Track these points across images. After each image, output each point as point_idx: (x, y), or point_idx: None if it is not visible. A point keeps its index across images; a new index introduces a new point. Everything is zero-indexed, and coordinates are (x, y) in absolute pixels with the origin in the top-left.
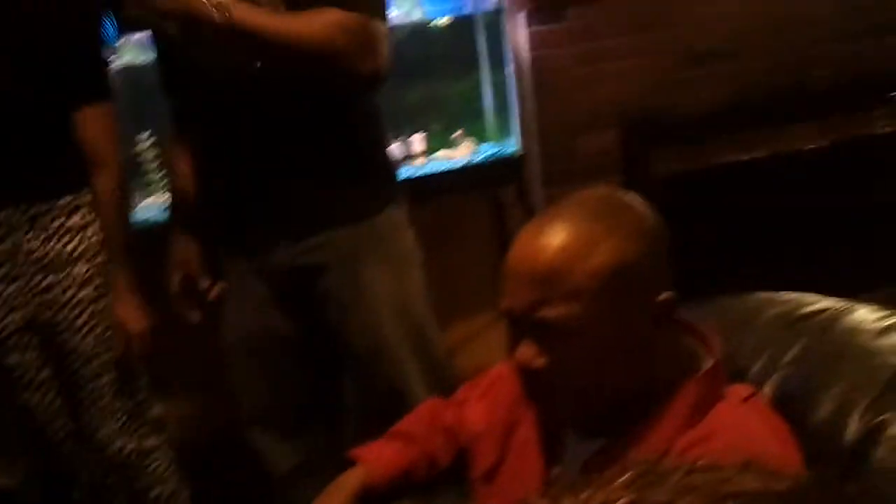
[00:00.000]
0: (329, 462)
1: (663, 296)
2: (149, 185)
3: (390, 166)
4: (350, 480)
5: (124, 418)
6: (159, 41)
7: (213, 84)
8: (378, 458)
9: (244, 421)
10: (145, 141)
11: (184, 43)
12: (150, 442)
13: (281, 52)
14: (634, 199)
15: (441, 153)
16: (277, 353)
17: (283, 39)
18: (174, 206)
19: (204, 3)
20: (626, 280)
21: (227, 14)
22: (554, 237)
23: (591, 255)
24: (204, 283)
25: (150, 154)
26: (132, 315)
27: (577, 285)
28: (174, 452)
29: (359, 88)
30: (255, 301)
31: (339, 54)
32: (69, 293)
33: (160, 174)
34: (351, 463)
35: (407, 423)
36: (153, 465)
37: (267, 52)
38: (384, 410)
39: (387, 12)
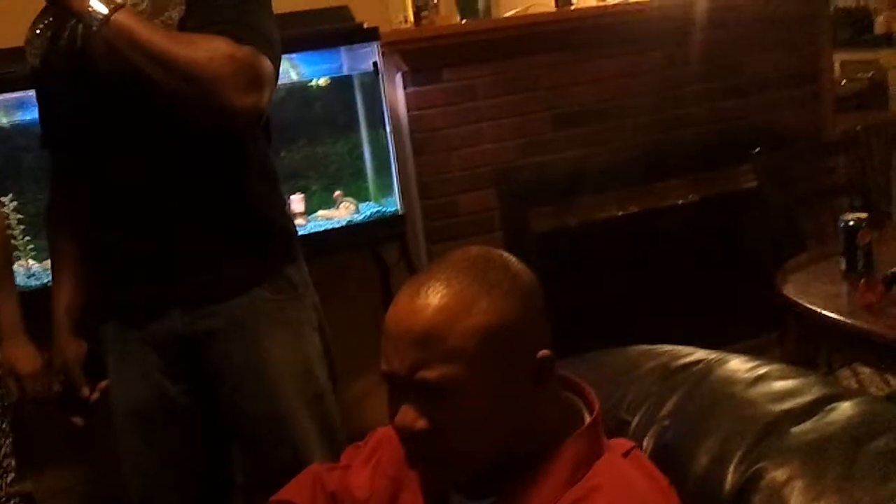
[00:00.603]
0: None
1: (542, 353)
2: (14, 249)
3: (287, 222)
4: None
5: None
6: (38, 90)
7: (94, 124)
8: None
9: (132, 501)
10: (8, 204)
11: (43, 71)
12: None
13: (159, 71)
14: (509, 258)
15: (321, 213)
16: (168, 423)
17: (166, 57)
18: (57, 316)
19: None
20: (504, 339)
21: (108, 17)
22: (431, 298)
23: (469, 315)
24: (85, 392)
25: (14, 218)
26: (22, 356)
27: (456, 346)
28: None
29: (235, 124)
30: (141, 369)
31: (221, 85)
32: None
33: (25, 239)
34: None
35: (290, 490)
36: None
37: (143, 70)
38: (279, 474)
39: (277, 53)
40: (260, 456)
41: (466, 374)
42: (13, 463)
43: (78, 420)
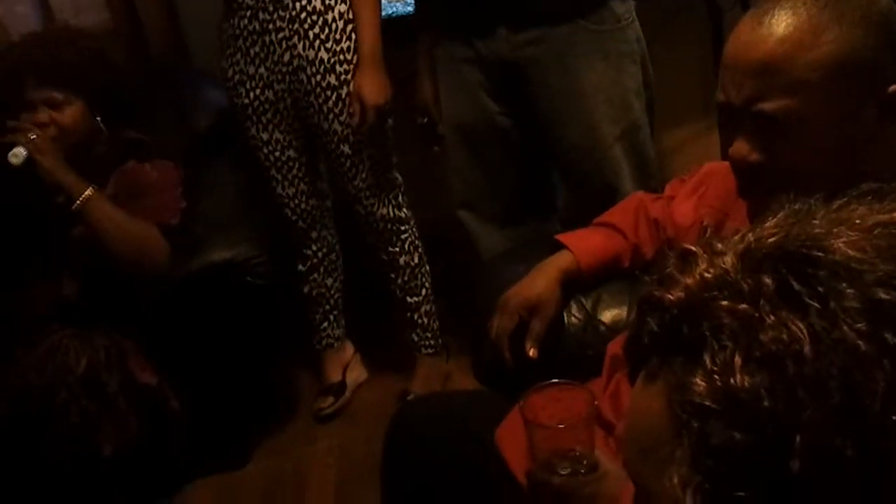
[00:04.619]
0: (537, 250)
1: (893, 88)
2: None
3: None
4: (558, 262)
5: (383, 189)
6: None
7: None
8: (585, 244)
9: (454, 203)
10: None
11: None
12: (403, 213)
13: None
14: None
15: None
16: (490, 141)
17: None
18: (421, 58)
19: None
20: (852, 72)
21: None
22: (775, 27)
23: (815, 46)
24: (441, 127)
25: None
26: (369, 87)
27: (799, 77)
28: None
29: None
30: (469, 89)
31: None
32: (315, 79)
33: None
34: (558, 247)
35: (614, 214)
36: (404, 235)
37: None
38: (594, 204)
39: None
40: (576, 183)
41: (807, 108)
42: None
43: (437, 149)
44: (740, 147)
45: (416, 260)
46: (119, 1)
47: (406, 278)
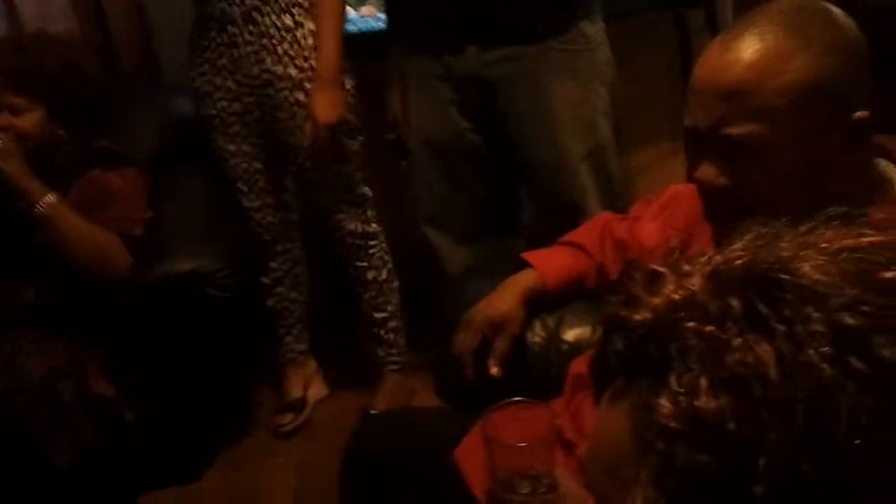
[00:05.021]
0: (501, 267)
1: (858, 114)
2: None
3: None
4: (523, 280)
5: (351, 204)
6: None
7: None
8: (551, 263)
9: (420, 218)
10: None
11: None
12: (372, 228)
13: None
14: (833, 10)
15: None
16: (459, 157)
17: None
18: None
19: None
20: (818, 98)
21: None
22: (743, 52)
23: (783, 72)
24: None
25: None
26: (322, 105)
27: (765, 103)
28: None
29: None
30: (439, 104)
31: None
32: (283, 94)
33: None
34: (524, 265)
35: (579, 234)
36: (372, 250)
37: None
38: (560, 223)
39: None
40: (542, 201)
41: (773, 134)
42: None
43: (404, 163)
44: (707, 171)
45: (385, 275)
46: (87, 9)
47: (373, 293)
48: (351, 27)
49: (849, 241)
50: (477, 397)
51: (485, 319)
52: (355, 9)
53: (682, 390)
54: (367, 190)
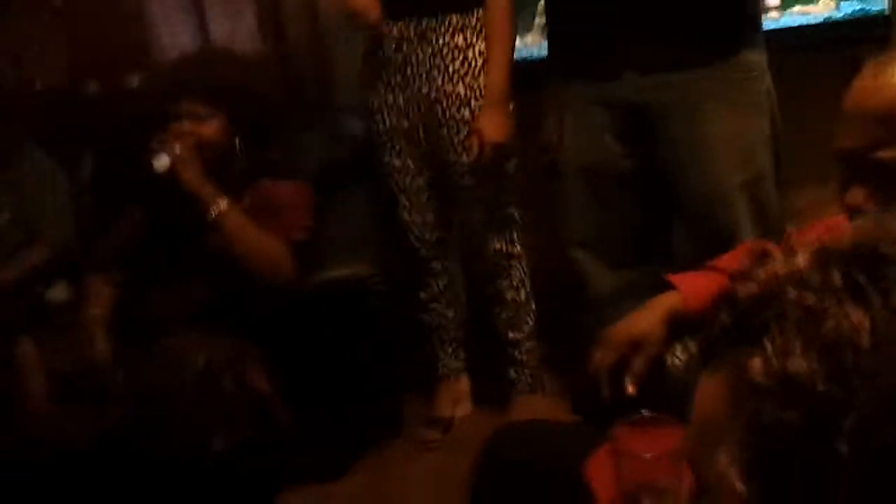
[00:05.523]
0: (649, 293)
1: None
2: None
3: (753, 8)
4: (665, 301)
5: (499, 224)
6: None
7: None
8: (694, 285)
9: (568, 241)
10: None
11: None
12: (516, 249)
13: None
14: None
15: (797, 8)
16: (612, 182)
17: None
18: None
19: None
20: None
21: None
22: None
23: None
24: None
25: None
26: (491, 125)
27: None
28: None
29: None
30: (593, 129)
31: None
32: (450, 111)
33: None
34: (667, 288)
35: (725, 259)
36: (513, 271)
37: None
38: (711, 252)
39: None
40: (694, 229)
41: None
42: None
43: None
44: (856, 195)
45: (523, 297)
46: (271, 32)
47: (510, 313)
48: (515, 55)
49: None
50: (611, 415)
51: (624, 337)
52: (520, 37)
53: (775, 352)
54: (516, 211)
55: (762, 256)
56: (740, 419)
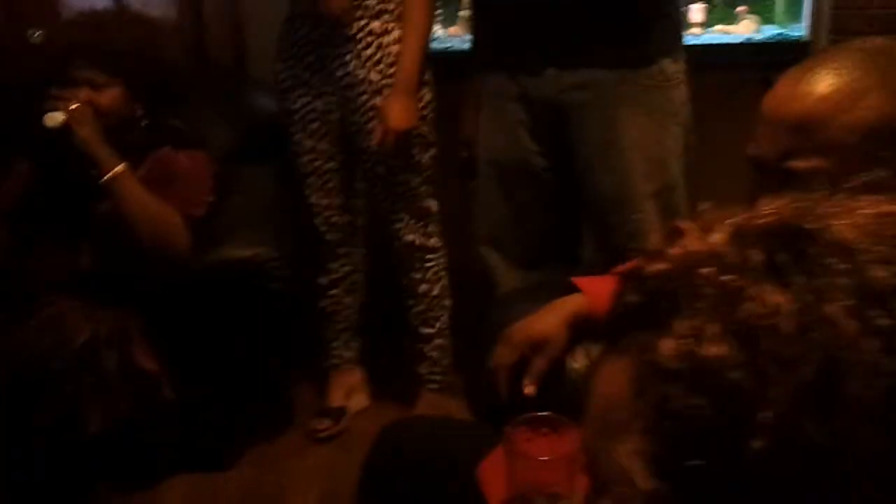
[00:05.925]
0: (552, 295)
1: None
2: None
3: (676, 18)
4: (569, 303)
5: (414, 217)
6: None
7: None
8: (600, 289)
9: (477, 238)
10: None
11: None
12: (432, 242)
13: None
14: None
15: (718, 27)
16: (523, 180)
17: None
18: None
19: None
20: (889, 140)
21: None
22: (817, 84)
23: (855, 108)
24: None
25: None
26: (395, 111)
27: (835, 138)
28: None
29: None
30: (509, 125)
31: None
32: (363, 98)
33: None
34: (572, 290)
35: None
36: (429, 264)
37: None
38: (618, 259)
39: None
40: (602, 234)
41: (838, 170)
42: None
43: (472, 182)
44: None
45: (437, 291)
46: None
47: (423, 307)
48: (437, 45)
49: (886, 207)
50: (508, 415)
51: (525, 337)
52: (444, 27)
53: (685, 334)
54: (432, 204)
55: (674, 233)
56: (646, 407)
